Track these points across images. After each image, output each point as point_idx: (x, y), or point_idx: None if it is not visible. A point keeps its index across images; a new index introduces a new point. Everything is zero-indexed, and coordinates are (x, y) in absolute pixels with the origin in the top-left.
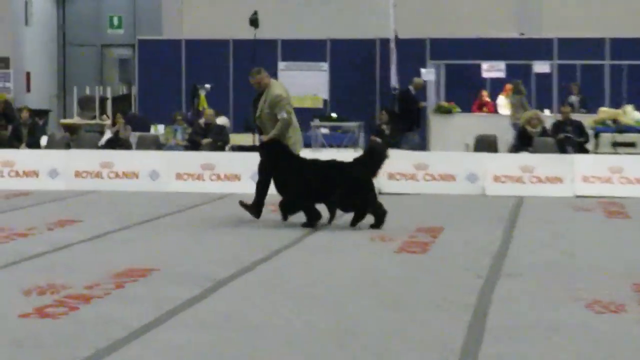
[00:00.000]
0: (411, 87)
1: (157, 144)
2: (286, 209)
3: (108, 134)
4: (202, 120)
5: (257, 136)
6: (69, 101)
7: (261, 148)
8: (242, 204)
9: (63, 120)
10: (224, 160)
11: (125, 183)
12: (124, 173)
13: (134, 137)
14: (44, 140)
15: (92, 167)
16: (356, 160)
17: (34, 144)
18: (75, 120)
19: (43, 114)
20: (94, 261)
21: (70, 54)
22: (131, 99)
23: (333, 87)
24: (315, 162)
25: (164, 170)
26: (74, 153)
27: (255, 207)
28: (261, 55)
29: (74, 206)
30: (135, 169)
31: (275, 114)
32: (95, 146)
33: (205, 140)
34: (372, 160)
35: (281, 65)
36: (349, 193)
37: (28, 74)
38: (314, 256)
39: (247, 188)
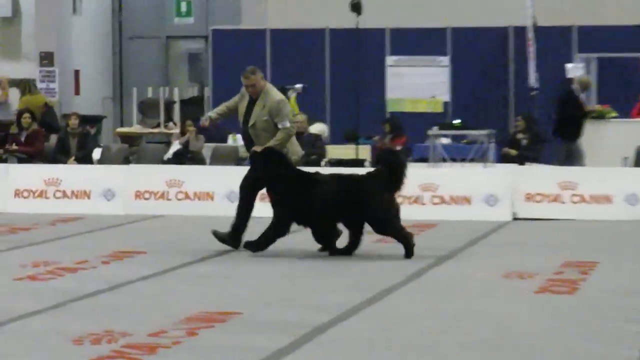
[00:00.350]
0: (575, 87)
1: (236, 158)
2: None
3: (176, 146)
4: None
5: (361, 148)
6: (127, 106)
7: (256, 158)
8: (217, 234)
9: (120, 129)
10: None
11: (197, 205)
12: (196, 194)
13: (207, 149)
14: (96, 153)
15: (156, 187)
16: (371, 174)
17: (84, 158)
18: (135, 128)
19: (95, 121)
20: (160, 303)
21: (128, 48)
22: (203, 102)
23: (455, 87)
24: (321, 177)
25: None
26: (134, 169)
27: (234, 234)
28: (365, 47)
29: (134, 234)
30: (209, 188)
31: (274, 123)
32: (159, 161)
33: None
34: (394, 173)
35: (389, 60)
36: (362, 212)
37: (77, 73)
38: (433, 298)
39: None
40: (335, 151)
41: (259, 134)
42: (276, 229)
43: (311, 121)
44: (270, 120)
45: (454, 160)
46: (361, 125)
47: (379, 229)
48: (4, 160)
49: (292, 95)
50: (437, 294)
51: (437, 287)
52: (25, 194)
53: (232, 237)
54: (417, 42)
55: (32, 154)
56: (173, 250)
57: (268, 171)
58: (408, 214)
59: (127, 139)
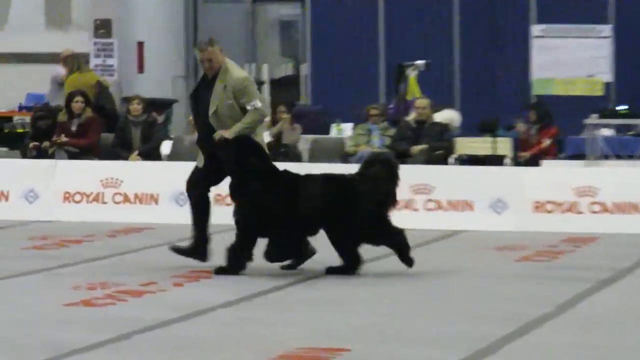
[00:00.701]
0: None
1: (341, 154)
2: (275, 249)
3: (266, 138)
4: (411, 117)
5: (500, 141)
6: None
7: (224, 145)
8: (176, 249)
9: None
10: (447, 175)
11: None
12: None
13: (305, 141)
14: (165, 147)
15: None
16: (361, 174)
17: (150, 154)
18: None
19: (164, 106)
20: (245, 336)
21: (205, 14)
22: (299, 82)
23: (620, 64)
24: (299, 176)
25: None
26: None
27: (198, 245)
28: (503, 15)
29: (214, 249)
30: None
31: (241, 105)
32: None
33: (417, 148)
34: (389, 173)
35: (535, 29)
36: (358, 221)
37: (140, 46)
38: (588, 334)
39: (482, 219)
40: (467, 145)
41: (224, 121)
42: (242, 241)
43: (436, 107)
44: (235, 103)
45: (618, 157)
46: (500, 112)
47: (379, 239)
48: (51, 156)
49: (412, 74)
50: (594, 329)
51: (594, 321)
52: (77, 197)
53: (195, 250)
54: (571, 6)
55: (85, 148)
56: (263, 270)
57: (240, 164)
58: (560, 224)
59: None
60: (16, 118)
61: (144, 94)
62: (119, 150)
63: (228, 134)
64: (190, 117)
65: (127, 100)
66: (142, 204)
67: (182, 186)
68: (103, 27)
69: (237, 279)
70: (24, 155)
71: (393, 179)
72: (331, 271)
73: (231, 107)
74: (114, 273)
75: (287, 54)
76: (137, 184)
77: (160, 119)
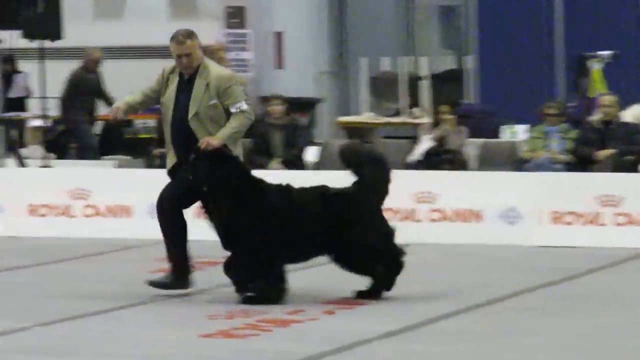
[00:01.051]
0: None
1: (514, 160)
2: (242, 272)
3: (426, 142)
4: (595, 117)
5: None
6: (352, 84)
7: (198, 155)
8: (154, 283)
9: (343, 118)
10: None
11: (459, 229)
12: (457, 212)
13: (473, 147)
14: (310, 153)
15: (400, 203)
16: (358, 183)
17: (293, 161)
18: (365, 117)
19: (308, 106)
20: None
21: (353, 1)
22: (463, 78)
23: None
24: (290, 190)
25: (528, 207)
26: None
27: (180, 272)
28: None
29: None
30: (477, 205)
31: (225, 107)
32: (402, 164)
33: (603, 153)
34: (381, 176)
35: None
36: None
37: (279, 37)
38: None
39: None
40: None
41: (205, 125)
42: (269, 267)
43: (626, 104)
44: (218, 104)
45: None
46: None
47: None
48: None
49: (596, 67)
50: None
51: None
52: None
53: (181, 276)
54: None
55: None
56: (430, 294)
57: (216, 175)
58: None
59: (354, 131)
60: (138, 122)
61: (284, 93)
62: (257, 157)
63: (215, 140)
64: (339, 118)
65: (265, 100)
66: None
67: None
68: (236, 16)
69: (396, 306)
70: (149, 165)
71: (388, 183)
72: (363, 295)
73: (214, 109)
74: None
75: (448, 45)
76: None
77: (304, 121)
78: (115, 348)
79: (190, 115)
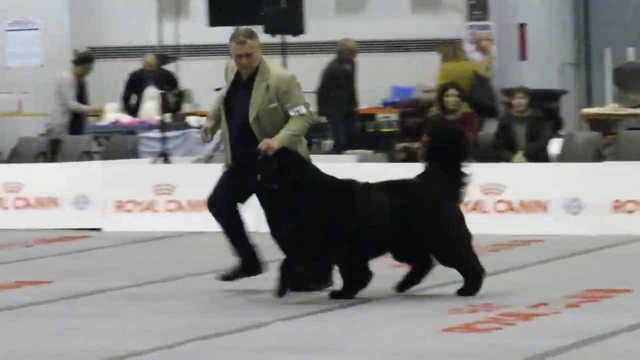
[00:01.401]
0: None
1: None
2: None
3: None
4: None
5: None
6: (596, 75)
7: (266, 156)
8: (225, 276)
9: (587, 110)
10: None
11: None
12: None
13: None
14: (554, 145)
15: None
16: (426, 174)
17: (537, 154)
18: (610, 108)
19: (551, 98)
20: None
21: None
22: None
23: None
24: (359, 185)
25: None
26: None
27: (247, 263)
28: None
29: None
30: None
31: (284, 110)
32: None
33: None
34: (455, 168)
35: None
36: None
37: (522, 28)
38: None
39: None
40: None
41: (265, 128)
42: (347, 261)
43: None
44: (278, 107)
45: None
46: None
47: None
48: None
49: None
50: None
51: None
52: None
53: (245, 268)
54: None
55: None
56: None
57: (285, 180)
58: None
59: (600, 123)
60: (380, 115)
61: (527, 85)
62: (501, 150)
63: (275, 143)
64: (583, 110)
65: (508, 92)
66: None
67: (574, 191)
68: (479, 8)
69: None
70: (392, 158)
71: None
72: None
73: (274, 112)
74: (498, 293)
75: None
76: (526, 189)
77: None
78: (358, 344)
79: (251, 118)
